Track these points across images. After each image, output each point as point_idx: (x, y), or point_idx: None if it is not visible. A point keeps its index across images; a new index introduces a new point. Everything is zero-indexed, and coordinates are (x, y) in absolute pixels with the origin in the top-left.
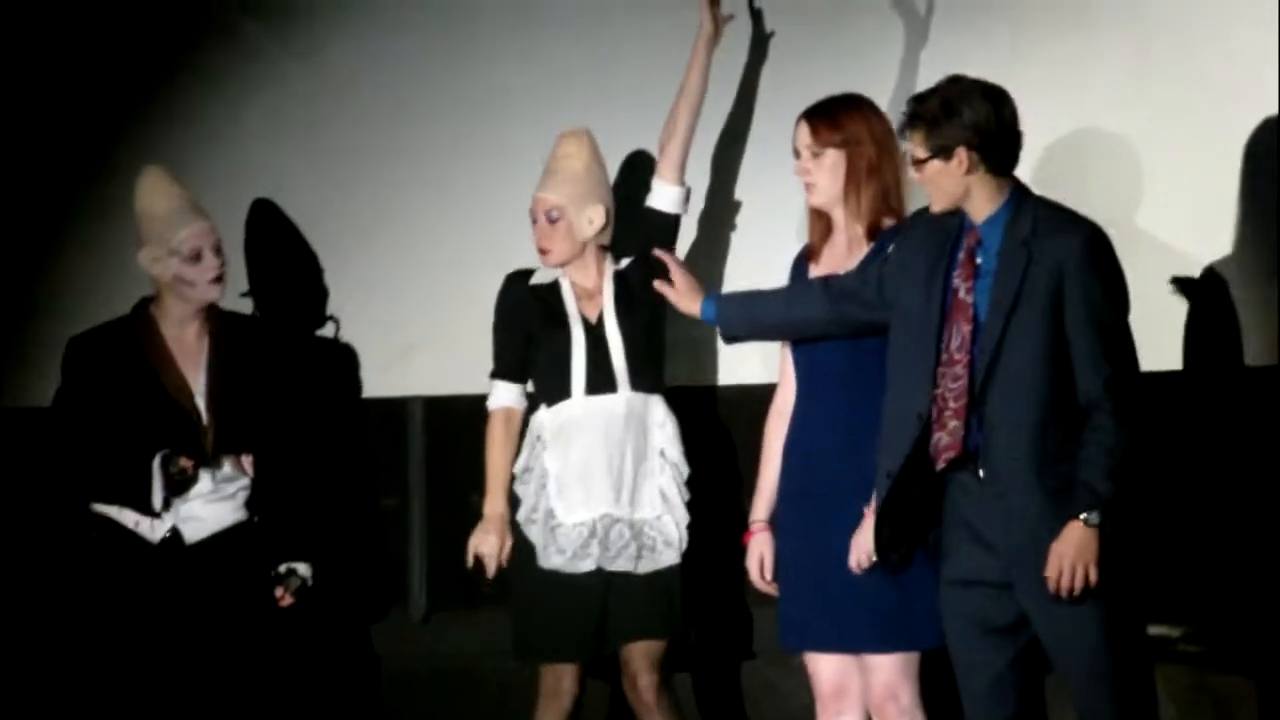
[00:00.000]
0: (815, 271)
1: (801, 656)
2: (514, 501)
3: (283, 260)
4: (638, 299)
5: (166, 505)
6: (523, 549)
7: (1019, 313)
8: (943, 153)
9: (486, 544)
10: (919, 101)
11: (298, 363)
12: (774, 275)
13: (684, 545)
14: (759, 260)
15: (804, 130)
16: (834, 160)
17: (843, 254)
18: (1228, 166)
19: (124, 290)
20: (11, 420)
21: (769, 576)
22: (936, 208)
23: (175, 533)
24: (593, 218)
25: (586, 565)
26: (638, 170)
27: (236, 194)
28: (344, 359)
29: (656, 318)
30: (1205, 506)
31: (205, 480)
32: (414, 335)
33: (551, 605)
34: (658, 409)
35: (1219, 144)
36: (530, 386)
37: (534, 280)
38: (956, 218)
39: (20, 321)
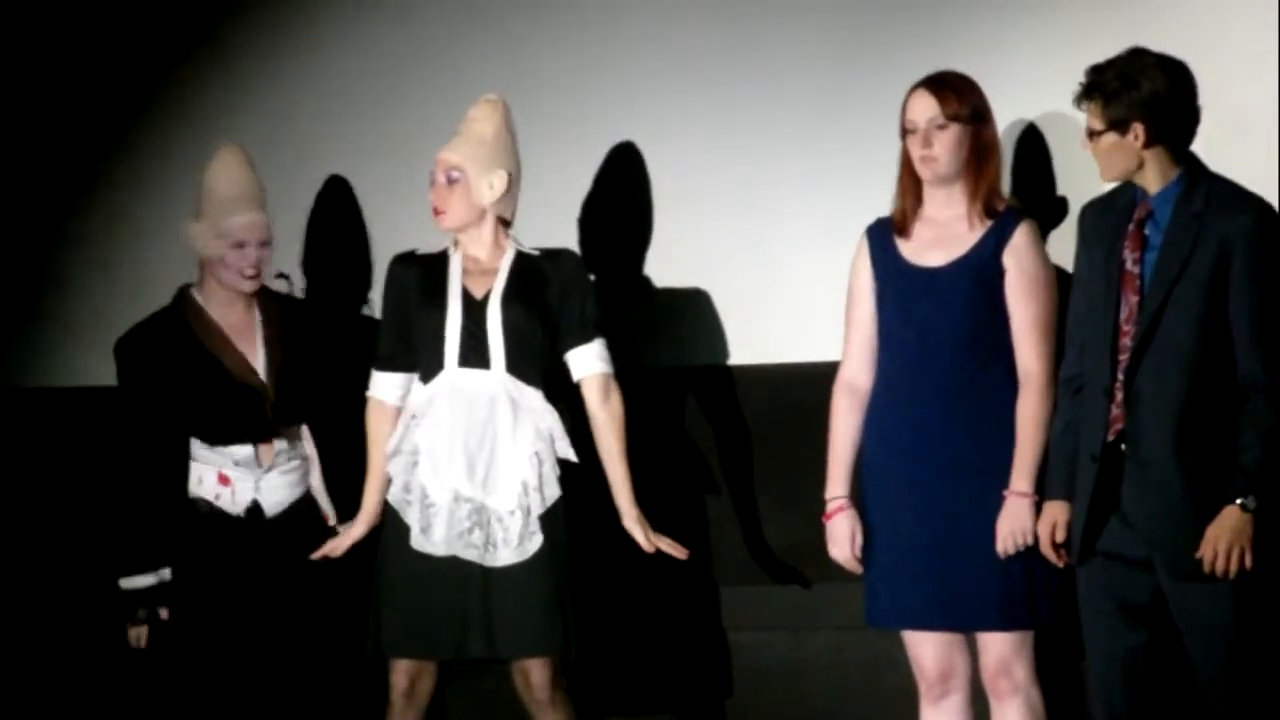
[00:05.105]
0: (906, 247)
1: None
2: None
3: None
4: (537, 291)
5: None
6: (390, 533)
7: (1181, 285)
8: (1119, 125)
9: (348, 537)
10: (1097, 73)
11: (341, 339)
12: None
13: (529, 549)
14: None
15: (928, 101)
16: (958, 134)
17: (958, 232)
18: (1226, 164)
19: (167, 271)
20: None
21: (859, 554)
22: (1107, 179)
23: (257, 505)
24: (494, 183)
25: (448, 550)
26: (620, 164)
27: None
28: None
29: (553, 316)
30: None
31: (284, 451)
32: None
33: (420, 595)
34: (534, 400)
35: (1218, 141)
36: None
37: (422, 251)
38: (1134, 192)
39: (43, 301)
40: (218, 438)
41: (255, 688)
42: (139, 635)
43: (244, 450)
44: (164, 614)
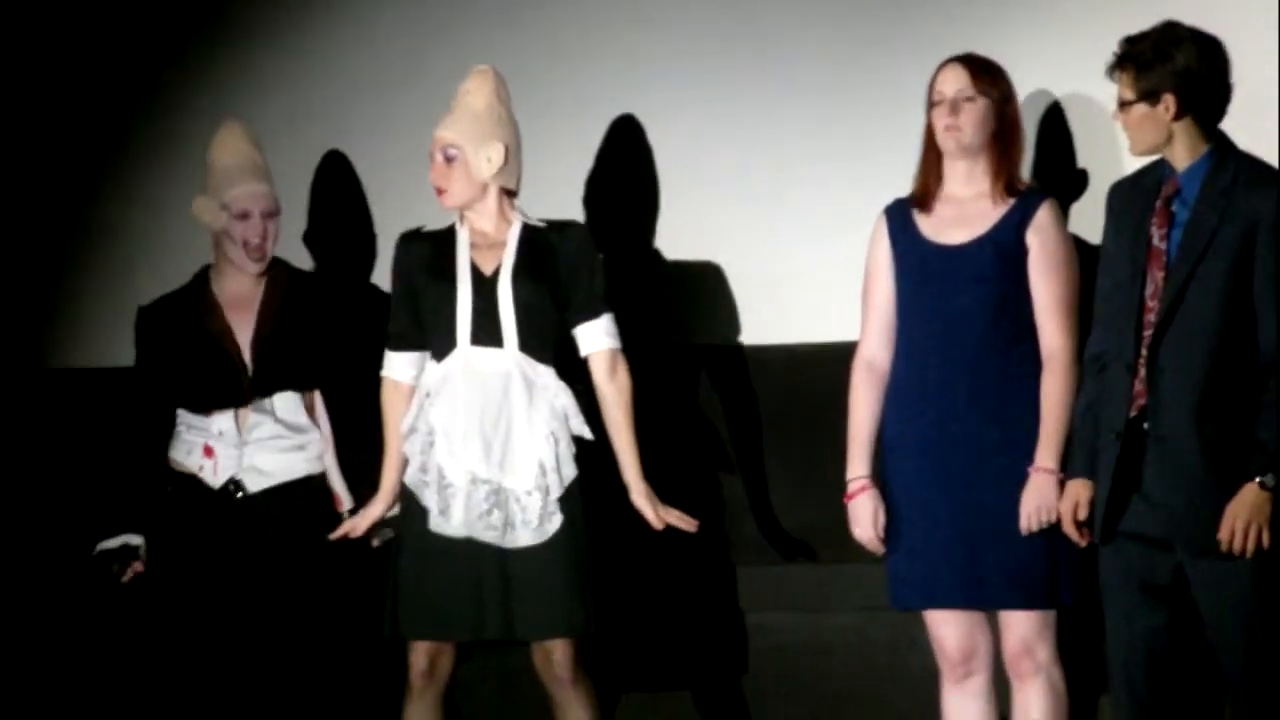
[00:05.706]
0: (926, 225)
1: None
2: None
3: (339, 215)
4: (546, 265)
5: None
6: (407, 514)
7: (1206, 262)
8: (1150, 97)
9: (367, 517)
10: (1131, 43)
11: (356, 314)
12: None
13: (549, 529)
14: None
15: (959, 74)
16: (985, 110)
17: (980, 210)
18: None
19: (188, 252)
20: (64, 381)
21: (882, 534)
22: (1135, 151)
23: (237, 481)
24: (491, 156)
25: (467, 532)
26: (630, 142)
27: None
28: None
29: (562, 289)
30: None
31: (266, 424)
32: None
33: (438, 577)
34: (548, 378)
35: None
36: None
37: (428, 229)
38: (1163, 169)
39: (76, 283)
40: (198, 405)
41: (236, 663)
42: (125, 577)
43: (225, 421)
44: (139, 566)
